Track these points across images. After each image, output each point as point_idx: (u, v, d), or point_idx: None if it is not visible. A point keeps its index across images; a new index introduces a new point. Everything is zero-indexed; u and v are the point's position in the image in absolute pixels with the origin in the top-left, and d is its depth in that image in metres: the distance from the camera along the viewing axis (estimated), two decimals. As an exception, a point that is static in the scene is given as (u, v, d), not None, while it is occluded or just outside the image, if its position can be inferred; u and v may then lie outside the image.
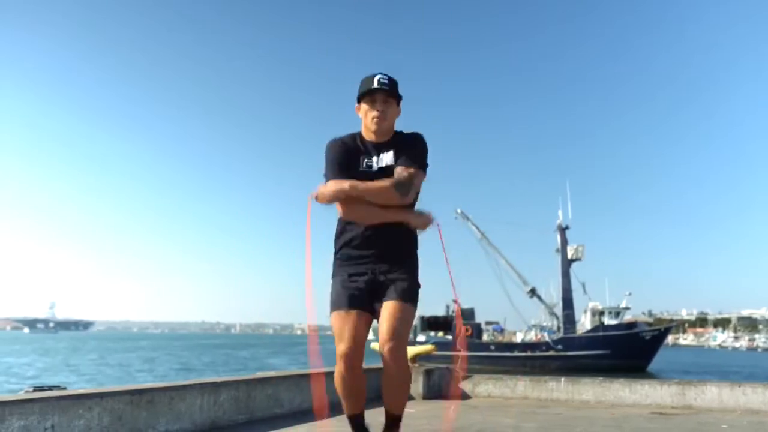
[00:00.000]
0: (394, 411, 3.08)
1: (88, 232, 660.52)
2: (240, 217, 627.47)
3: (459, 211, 52.75)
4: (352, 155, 3.06)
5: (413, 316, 3.03)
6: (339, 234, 3.12)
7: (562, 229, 51.10)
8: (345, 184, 2.90)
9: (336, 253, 3.13)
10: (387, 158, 3.05)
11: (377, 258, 3.01)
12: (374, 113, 3.02)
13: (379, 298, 2.98)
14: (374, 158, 3.06)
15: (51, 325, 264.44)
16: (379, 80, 3.01)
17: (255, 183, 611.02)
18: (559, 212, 51.89)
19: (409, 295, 3.00)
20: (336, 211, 3.07)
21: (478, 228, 52.28)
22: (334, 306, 2.99)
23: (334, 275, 3.11)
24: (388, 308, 2.95)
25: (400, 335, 2.92)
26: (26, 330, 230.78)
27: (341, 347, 2.89)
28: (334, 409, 5.28)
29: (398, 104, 3.11)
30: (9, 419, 3.48)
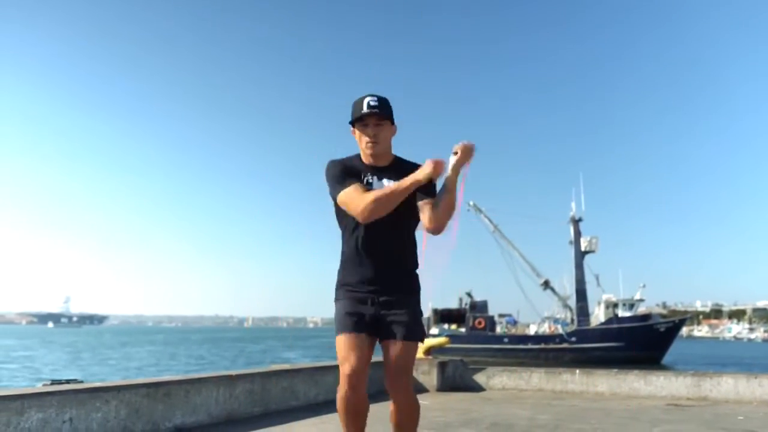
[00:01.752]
0: None
1: (102, 228, 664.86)
2: (253, 212, 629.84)
3: (471, 203, 52.59)
4: (354, 172, 3.02)
5: (416, 351, 3.04)
6: (341, 266, 3.11)
7: (576, 221, 50.86)
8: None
9: (339, 279, 3.13)
10: (388, 185, 2.99)
11: (381, 289, 3.00)
12: (366, 138, 2.98)
13: (384, 328, 2.98)
14: (374, 178, 3.02)
15: (74, 319, 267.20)
16: (368, 103, 2.95)
17: (268, 179, 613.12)
18: (573, 204, 51.70)
19: (413, 334, 2.99)
20: (339, 240, 3.10)
21: (491, 220, 52.11)
22: (340, 329, 2.97)
23: (337, 299, 3.09)
24: (395, 347, 2.95)
25: (406, 372, 2.95)
26: (51, 324, 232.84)
27: (346, 368, 2.87)
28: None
29: (392, 123, 3.06)
30: (28, 412, 3.51)
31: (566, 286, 52.34)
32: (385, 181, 3.01)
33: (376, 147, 2.99)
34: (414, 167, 3.02)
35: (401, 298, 3.02)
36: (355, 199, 2.89)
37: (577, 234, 50.70)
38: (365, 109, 2.95)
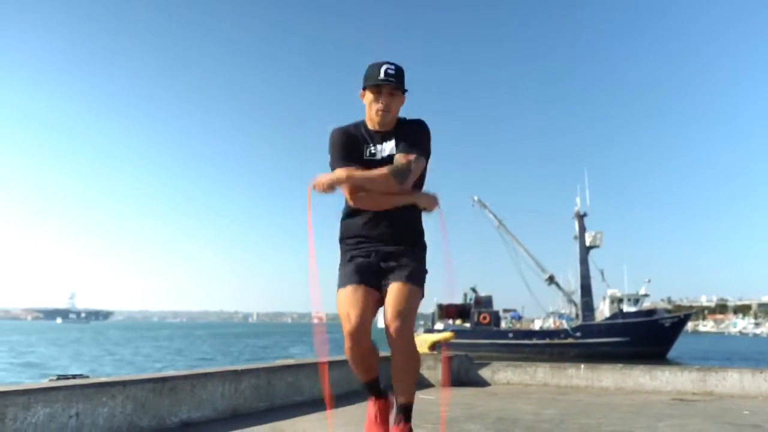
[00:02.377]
0: (405, 399, 3.04)
1: (107, 224, 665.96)
2: (257, 207, 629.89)
3: (476, 198, 52.65)
4: (356, 144, 3.06)
5: (419, 298, 3.00)
6: (344, 218, 3.14)
7: (581, 216, 50.83)
8: (342, 173, 2.89)
9: (341, 239, 3.13)
10: (389, 147, 3.05)
11: (383, 241, 3.02)
12: (379, 106, 3.00)
13: (385, 276, 2.99)
14: (378, 146, 3.06)
15: (83, 315, 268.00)
16: (386, 71, 2.97)
17: (272, 175, 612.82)
18: (577, 199, 51.68)
19: (415, 278, 2.98)
20: (341, 197, 3.09)
21: (495, 216, 52.15)
22: (340, 284, 2.99)
23: (341, 261, 3.12)
24: (393, 290, 2.94)
25: (405, 316, 2.90)
26: (59, 320, 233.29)
27: (347, 326, 2.87)
28: (344, 399, 5.34)
29: (403, 94, 3.08)
30: (34, 407, 3.53)
31: (571, 281, 52.44)
32: (386, 144, 3.07)
33: (387, 116, 3.03)
34: (414, 125, 3.10)
35: (404, 249, 3.03)
36: None
37: (582, 229, 50.68)
38: (382, 75, 2.97)
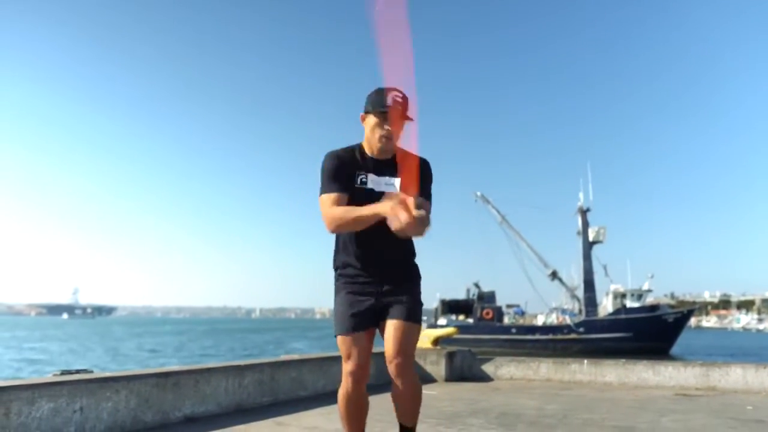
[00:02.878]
0: (410, 421, 3.07)
1: (110, 220, 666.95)
2: (261, 204, 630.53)
3: (479, 194, 52.59)
4: (348, 169, 2.98)
5: (418, 335, 3.02)
6: (338, 250, 3.09)
7: (584, 212, 50.76)
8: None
9: (336, 269, 3.12)
10: (389, 184, 2.98)
11: (380, 278, 2.99)
12: (383, 132, 2.92)
13: (383, 317, 2.97)
14: (371, 175, 2.98)
15: (88, 311, 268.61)
16: (393, 98, 2.89)
17: (275, 170, 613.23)
18: (580, 194, 51.61)
19: (414, 316, 2.97)
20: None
21: (498, 211, 52.09)
22: (341, 329, 2.97)
23: (336, 292, 3.08)
24: (393, 327, 2.93)
25: (407, 353, 2.93)
26: (65, 316, 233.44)
27: (349, 366, 2.91)
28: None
29: (406, 122, 2.97)
30: (39, 401, 3.54)
31: (574, 276, 52.34)
32: (382, 179, 2.98)
33: (389, 143, 2.95)
34: (423, 168, 3.00)
35: (401, 285, 3.01)
36: (325, 210, 2.89)
37: (585, 224, 50.61)
38: (389, 102, 2.89)
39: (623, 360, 7.30)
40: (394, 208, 2.68)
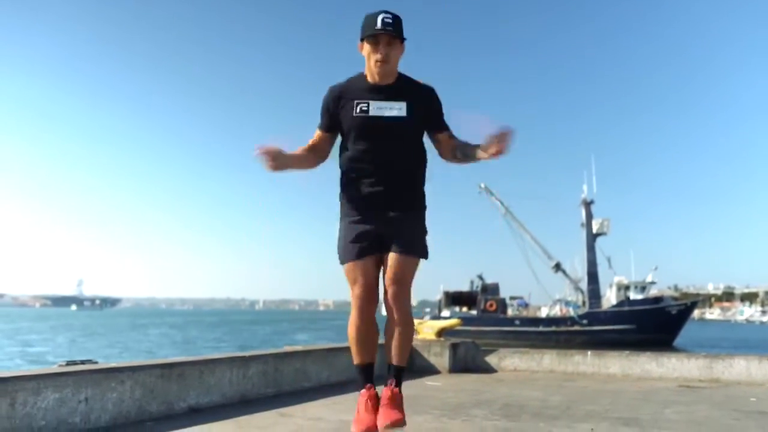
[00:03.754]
0: (399, 361, 3.08)
1: (113, 212, 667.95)
2: (264, 196, 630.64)
3: (482, 185, 52.50)
4: (345, 101, 3.04)
5: (417, 264, 3.08)
6: (344, 171, 3.13)
7: (587, 204, 50.70)
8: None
9: (341, 193, 3.13)
10: (396, 108, 3.00)
11: (384, 203, 3.01)
12: (377, 56, 2.94)
13: (387, 245, 3.02)
14: (375, 102, 3.01)
15: (97, 302, 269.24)
16: (383, 20, 2.91)
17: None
18: (584, 186, 51.52)
19: (412, 247, 3.04)
20: (338, 143, 3.18)
21: (502, 203, 52.03)
22: (346, 257, 3.04)
23: (341, 218, 3.13)
24: (392, 259, 3.00)
25: (402, 281, 3.00)
26: (74, 307, 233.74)
27: (356, 290, 3.00)
28: (352, 385, 5.35)
29: (402, 43, 3.02)
30: (44, 392, 3.55)
31: (578, 268, 52.36)
32: (386, 104, 3.01)
33: (385, 66, 2.98)
34: (418, 86, 3.08)
35: (406, 214, 3.04)
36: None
37: (589, 216, 50.55)
38: (379, 25, 2.92)
39: (627, 351, 7.31)
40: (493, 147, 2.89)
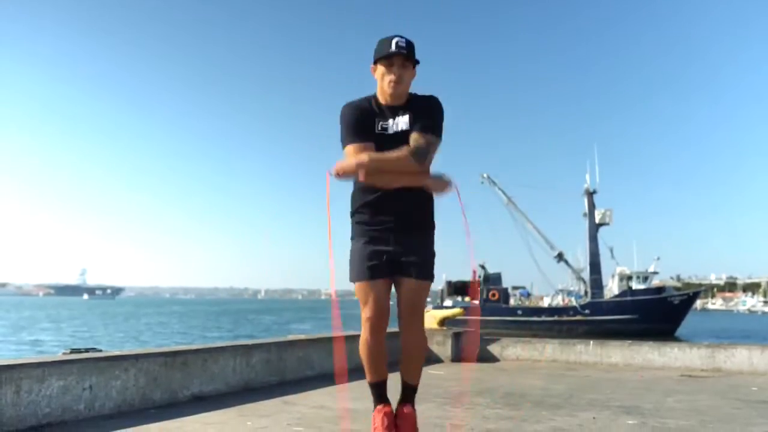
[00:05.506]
0: (412, 382, 3.17)
1: (116, 201, 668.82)
2: (267, 186, 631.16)
3: (485, 175, 52.38)
4: (367, 118, 3.04)
5: (429, 289, 3.12)
6: (356, 194, 3.12)
7: (590, 194, 50.60)
8: (363, 157, 2.90)
9: (353, 214, 3.14)
10: (402, 122, 3.03)
11: (395, 225, 3.02)
12: (391, 77, 2.99)
13: (398, 267, 3.03)
14: (390, 121, 3.04)
15: (108, 291, 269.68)
16: (396, 43, 2.98)
17: (282, 152, 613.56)
18: (587, 176, 51.43)
19: (426, 272, 3.06)
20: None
21: (504, 193, 51.91)
22: (358, 277, 3.04)
23: (353, 237, 3.12)
24: (407, 285, 3.03)
25: (417, 311, 3.07)
26: (86, 296, 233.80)
27: (366, 313, 3.00)
28: (354, 374, 5.38)
29: (414, 67, 3.08)
30: (49, 379, 3.58)
31: (580, 258, 52.25)
32: (399, 119, 3.05)
33: (399, 87, 3.03)
34: (429, 103, 3.10)
35: (417, 236, 3.07)
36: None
37: (591, 206, 50.44)
38: (393, 48, 2.99)
39: (629, 341, 7.32)
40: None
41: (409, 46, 3.01)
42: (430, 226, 3.16)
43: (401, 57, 3.00)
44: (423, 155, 2.93)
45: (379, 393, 3.14)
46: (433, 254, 3.13)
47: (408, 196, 3.03)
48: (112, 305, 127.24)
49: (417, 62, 3.08)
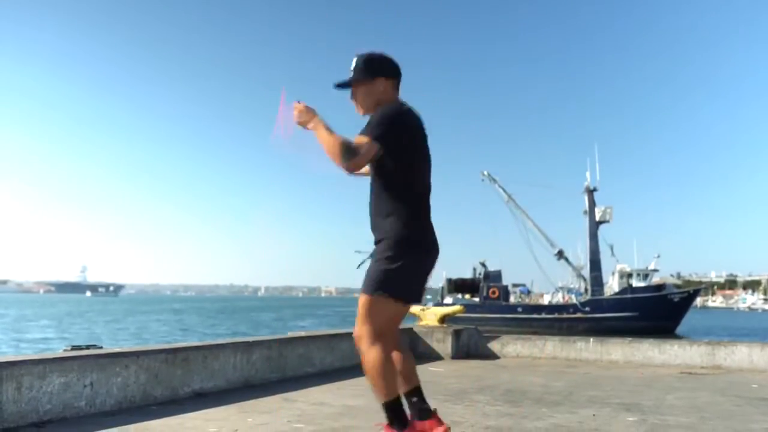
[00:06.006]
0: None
1: (117, 199, 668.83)
2: (267, 182, 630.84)
3: (486, 173, 52.33)
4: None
5: (374, 305, 2.79)
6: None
7: (590, 191, 50.56)
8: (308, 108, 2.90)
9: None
10: None
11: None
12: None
13: None
14: None
15: (111, 288, 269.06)
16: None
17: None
18: (587, 174, 51.38)
19: (370, 286, 2.80)
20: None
21: (504, 190, 51.85)
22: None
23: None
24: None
25: (357, 330, 2.82)
26: (88, 293, 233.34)
27: (384, 328, 2.82)
28: (354, 371, 5.39)
29: (365, 83, 2.98)
30: (50, 376, 3.58)
31: (580, 256, 52.21)
32: None
33: (361, 113, 3.04)
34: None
35: (374, 250, 2.96)
36: (368, 156, 2.85)
37: (592, 204, 50.40)
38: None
39: (629, 338, 7.33)
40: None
41: (351, 76, 3.01)
42: (385, 239, 2.88)
43: (350, 88, 3.03)
44: (349, 153, 2.73)
45: (397, 414, 2.84)
46: (380, 268, 2.82)
47: (373, 207, 2.99)
48: (115, 302, 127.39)
49: (362, 79, 2.99)
